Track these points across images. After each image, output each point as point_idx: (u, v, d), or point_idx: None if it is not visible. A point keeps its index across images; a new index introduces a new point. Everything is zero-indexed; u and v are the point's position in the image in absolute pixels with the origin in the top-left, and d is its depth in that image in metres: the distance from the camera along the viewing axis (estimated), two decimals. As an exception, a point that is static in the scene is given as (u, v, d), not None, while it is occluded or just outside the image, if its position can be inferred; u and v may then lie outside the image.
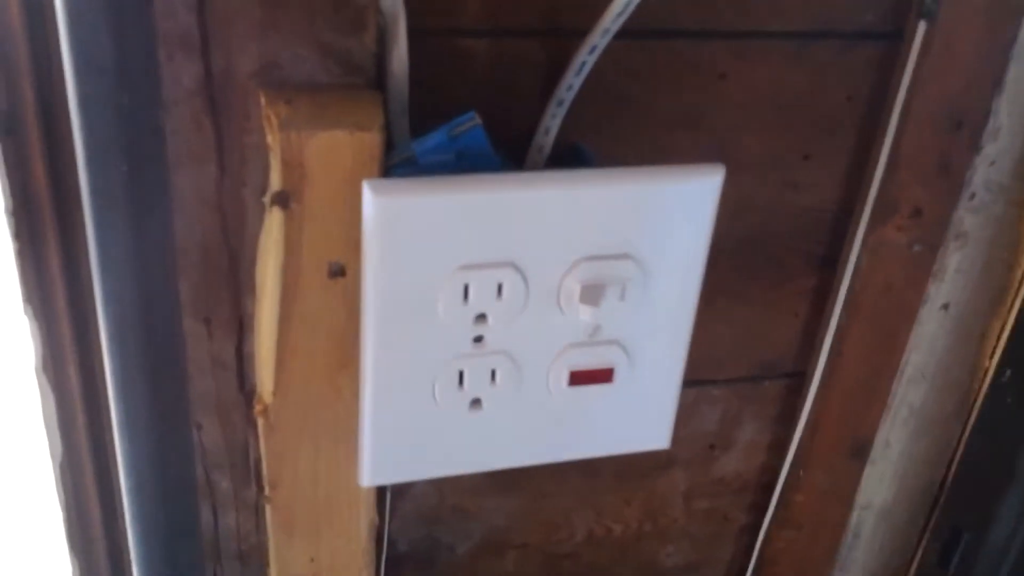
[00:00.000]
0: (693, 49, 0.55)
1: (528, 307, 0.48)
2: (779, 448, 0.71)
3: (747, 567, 0.76)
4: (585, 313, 0.48)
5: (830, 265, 0.64)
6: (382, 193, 0.44)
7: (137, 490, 0.51)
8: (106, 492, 0.58)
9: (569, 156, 0.54)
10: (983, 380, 0.69)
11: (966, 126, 0.59)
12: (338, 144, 0.46)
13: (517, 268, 0.47)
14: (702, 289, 0.53)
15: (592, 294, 0.48)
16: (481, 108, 0.49)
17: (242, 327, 0.55)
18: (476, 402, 0.51)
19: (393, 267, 0.46)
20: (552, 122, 0.53)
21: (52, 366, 0.54)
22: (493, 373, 0.50)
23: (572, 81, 0.52)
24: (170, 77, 0.47)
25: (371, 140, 0.46)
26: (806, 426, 0.68)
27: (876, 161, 0.60)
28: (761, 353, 0.67)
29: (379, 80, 0.50)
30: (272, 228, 0.49)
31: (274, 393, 0.52)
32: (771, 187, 0.61)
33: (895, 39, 0.57)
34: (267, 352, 0.52)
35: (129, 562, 0.60)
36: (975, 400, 0.70)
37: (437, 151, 0.48)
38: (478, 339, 0.49)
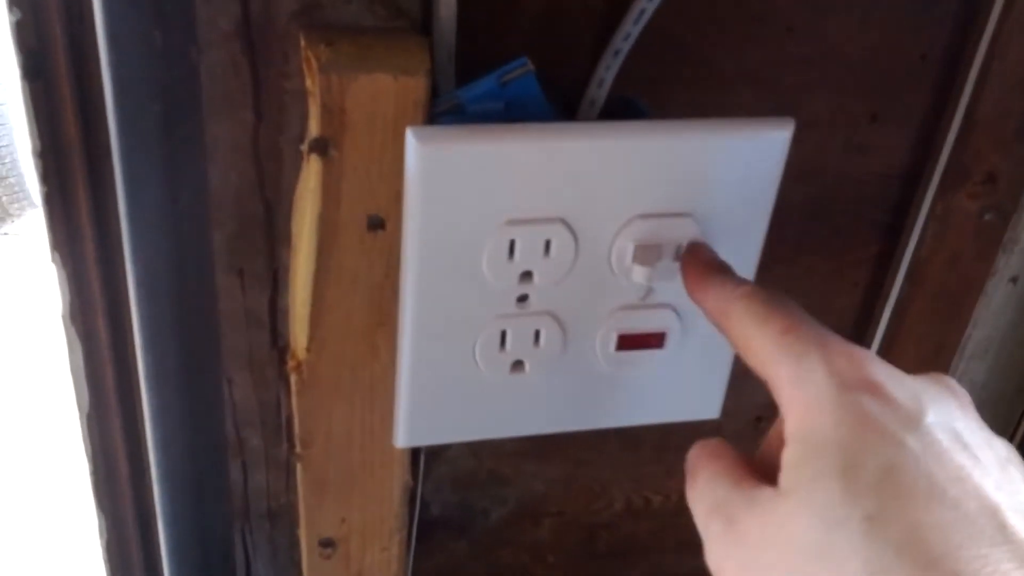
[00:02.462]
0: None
1: (577, 266, 0.46)
2: (830, 423, 0.68)
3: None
4: (638, 274, 0.45)
5: (895, 233, 0.61)
6: (427, 141, 0.42)
7: (164, 445, 0.49)
8: (134, 446, 0.57)
9: (623, 110, 0.51)
10: (1051, 358, 0.65)
11: (1048, 88, 0.56)
12: (381, 89, 0.43)
13: (567, 224, 0.45)
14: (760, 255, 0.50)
15: (647, 254, 0.45)
16: (532, 57, 0.47)
17: (276, 281, 0.53)
18: (518, 364, 0.49)
19: (436, 220, 0.44)
20: (607, 73, 0.50)
21: (80, 315, 0.52)
22: (537, 334, 0.48)
23: (630, 30, 0.49)
24: (206, 18, 0.45)
25: (416, 85, 0.44)
26: (860, 401, 0.65)
27: (949, 124, 0.56)
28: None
29: (425, 24, 0.47)
30: (310, 177, 0.47)
31: (308, 349, 0.50)
32: (836, 149, 0.57)
33: (976, -6, 0.54)
34: (302, 307, 0.50)
35: (157, 517, 0.59)
36: (1041, 379, 0.66)
37: (486, 99, 0.45)
38: (522, 298, 0.47)
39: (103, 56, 0.37)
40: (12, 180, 2.48)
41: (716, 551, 0.34)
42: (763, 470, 0.35)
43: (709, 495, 0.35)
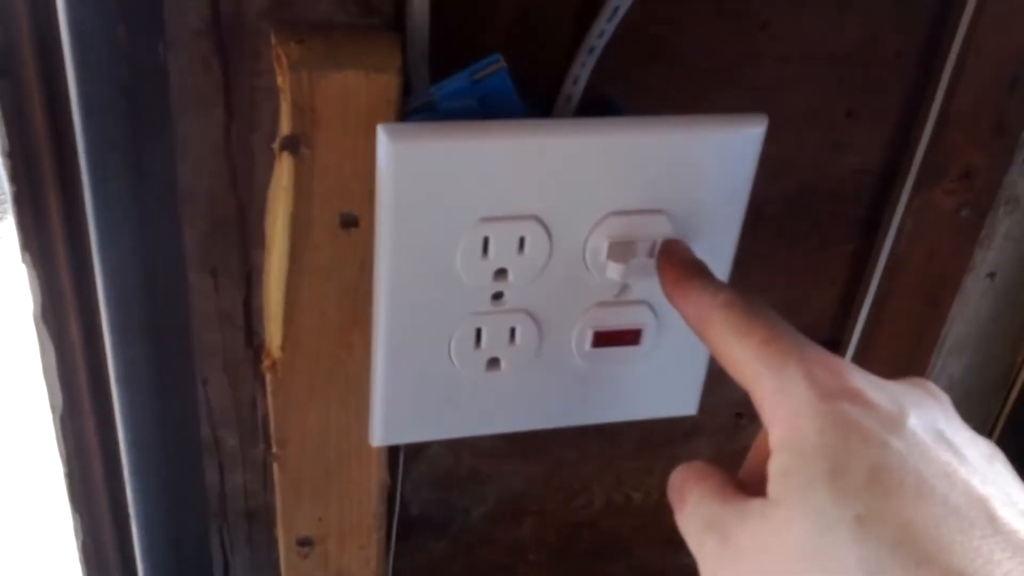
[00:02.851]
0: (734, -4, 0.52)
1: (551, 263, 0.46)
2: (809, 419, 0.68)
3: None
4: (613, 271, 0.45)
5: (872, 230, 0.61)
6: (398, 138, 0.42)
7: (137, 446, 0.49)
8: (108, 446, 0.56)
9: (598, 108, 0.51)
10: (1028, 353, 0.66)
11: (1022, 84, 0.56)
12: (352, 86, 0.43)
13: (541, 222, 0.44)
14: (736, 252, 0.50)
15: (621, 251, 0.45)
16: (507, 54, 0.46)
17: (250, 280, 0.53)
18: (494, 362, 0.48)
19: (409, 218, 0.44)
20: (582, 71, 0.50)
21: (52, 315, 0.52)
22: (512, 332, 0.47)
23: (604, 27, 0.49)
24: (174, 14, 0.45)
25: (387, 82, 0.43)
26: (839, 397, 0.65)
27: (925, 120, 0.56)
28: (796, 320, 0.63)
29: (398, 22, 0.47)
30: (282, 176, 0.47)
31: (283, 348, 0.50)
32: (812, 146, 0.57)
33: (951, -11, 0.54)
34: (276, 306, 0.50)
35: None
36: (1017, 373, 0.66)
37: (458, 96, 0.45)
38: (497, 296, 0.46)
39: (67, 53, 0.36)
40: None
41: (712, 568, 0.34)
42: (750, 484, 0.35)
43: (700, 514, 0.35)
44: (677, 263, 0.43)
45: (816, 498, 0.31)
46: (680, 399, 0.52)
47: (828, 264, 0.62)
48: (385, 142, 0.42)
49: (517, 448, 0.65)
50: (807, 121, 0.56)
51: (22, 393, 1.95)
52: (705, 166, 0.45)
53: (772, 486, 0.33)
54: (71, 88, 0.37)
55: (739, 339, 0.37)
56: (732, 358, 0.37)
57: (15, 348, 2.04)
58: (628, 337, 0.49)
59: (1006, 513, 0.29)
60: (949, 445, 0.32)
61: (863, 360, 0.64)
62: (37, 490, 1.81)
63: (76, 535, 0.60)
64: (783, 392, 0.34)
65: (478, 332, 0.47)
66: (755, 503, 0.33)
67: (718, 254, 0.48)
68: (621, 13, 0.48)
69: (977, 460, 0.32)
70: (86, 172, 0.39)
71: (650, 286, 0.46)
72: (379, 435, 0.49)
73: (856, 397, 0.32)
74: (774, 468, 0.33)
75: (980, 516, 0.29)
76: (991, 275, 0.64)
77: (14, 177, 0.47)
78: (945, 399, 0.35)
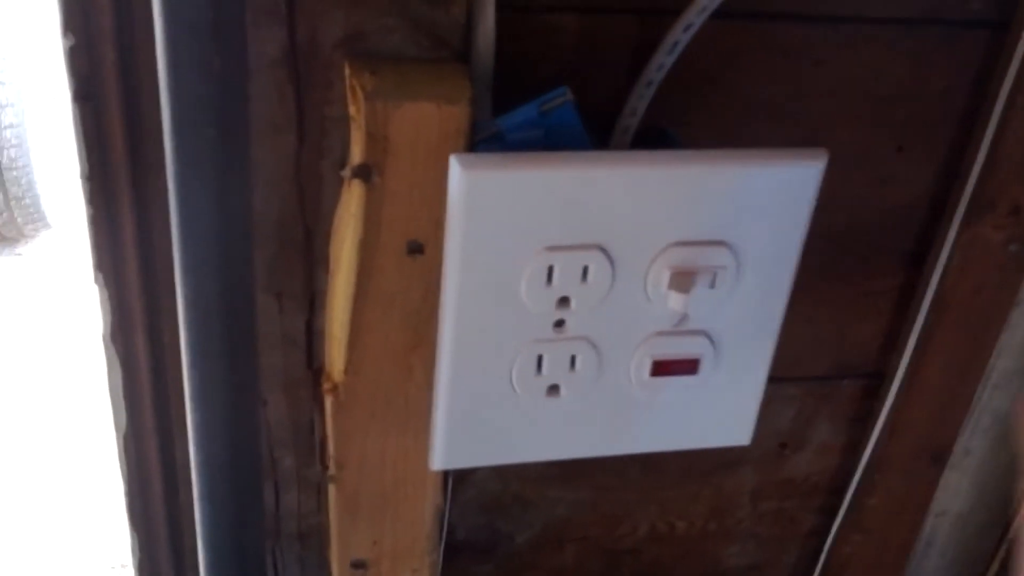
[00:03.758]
0: (789, 33, 0.53)
1: (613, 292, 0.47)
2: (852, 450, 0.68)
3: (813, 571, 0.74)
4: (674, 301, 0.46)
5: (918, 263, 0.62)
6: (470, 167, 0.43)
7: (206, 466, 0.50)
8: (169, 466, 0.57)
9: (654, 140, 0.52)
10: (1073, 389, 0.66)
11: (1072, 121, 0.56)
12: (425, 116, 0.44)
13: (604, 251, 0.45)
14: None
15: (682, 281, 0.46)
16: (566, 85, 0.48)
17: (313, 303, 0.54)
18: (554, 388, 0.49)
19: (477, 244, 0.45)
20: (639, 103, 0.51)
21: (120, 335, 0.53)
22: (573, 359, 0.48)
23: (663, 60, 0.50)
24: (254, 44, 0.46)
25: (459, 113, 0.45)
26: (883, 429, 0.66)
27: (974, 155, 0.57)
28: (841, 352, 0.65)
29: (465, 54, 0.48)
30: (351, 202, 0.48)
31: (345, 371, 0.51)
32: (861, 180, 0.58)
33: (1002, 29, 0.55)
34: (339, 329, 0.51)
35: (189, 536, 0.59)
36: (1064, 408, 0.67)
37: (525, 127, 0.46)
38: (559, 323, 0.48)
39: (163, 80, 0.38)
40: (27, 201, 2.49)
41: None
42: None
43: None
44: None
45: None
46: (734, 428, 0.53)
47: (875, 297, 0.63)
48: (458, 171, 0.43)
49: (562, 475, 0.66)
50: (857, 155, 0.57)
51: (83, 415, 1.97)
52: (764, 199, 0.46)
53: None
54: (164, 115, 0.38)
55: None
56: None
57: (75, 370, 2.06)
58: (686, 367, 0.49)
59: None
60: None
61: (908, 392, 0.64)
62: (90, 510, 1.82)
63: (133, 554, 0.61)
64: None
65: (539, 359, 0.48)
66: None
67: (776, 285, 0.49)
68: (681, 48, 0.49)
69: None
70: (173, 194, 0.40)
71: (709, 316, 0.47)
72: (440, 459, 0.50)
73: None
74: None
75: None
76: (1038, 310, 0.64)
77: (92, 201, 0.49)
78: None
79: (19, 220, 2.54)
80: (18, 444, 1.95)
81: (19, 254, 2.61)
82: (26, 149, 2.46)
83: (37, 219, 2.58)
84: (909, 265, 0.62)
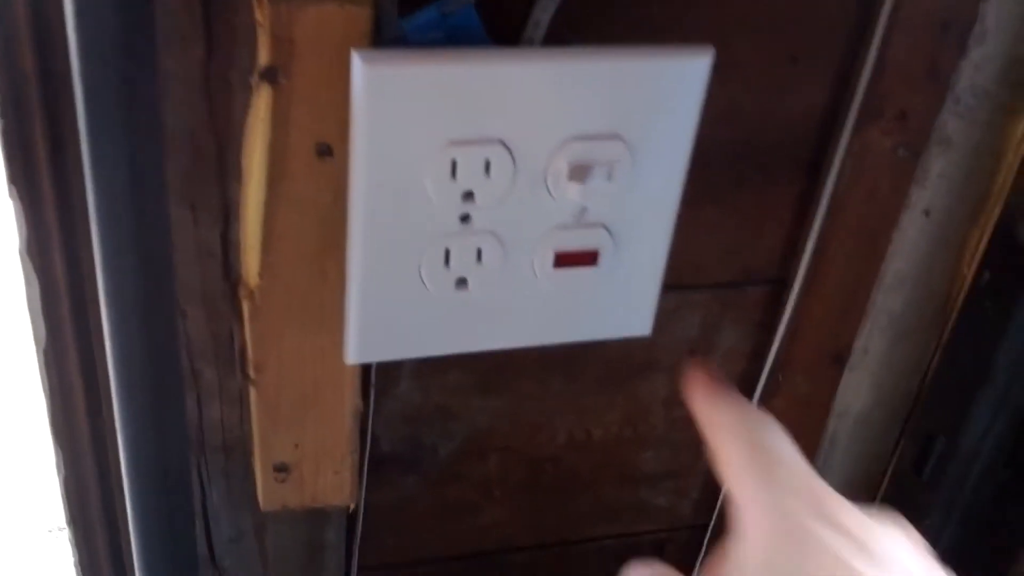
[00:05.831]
0: (684, -57, 0.55)
1: (516, 186, 0.49)
2: (759, 355, 0.72)
3: (725, 475, 0.77)
4: (572, 192, 0.48)
5: (816, 171, 0.65)
6: (372, 63, 0.44)
7: (124, 376, 0.51)
8: (90, 380, 0.58)
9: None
10: (962, 286, 0.69)
11: (953, 28, 0.59)
12: (328, 17, 0.46)
13: (506, 146, 0.47)
14: (686, 194, 0.54)
15: (579, 172, 0.48)
16: (471, -2, 0.49)
17: (228, 215, 0.55)
18: (462, 282, 0.51)
19: (382, 141, 0.46)
20: (543, 15, 0.53)
21: (37, 249, 0.54)
22: (479, 253, 0.50)
23: (563, -29, 0.52)
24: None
25: (361, 14, 0.46)
26: (786, 332, 0.69)
27: (863, 64, 0.60)
28: (744, 259, 0.68)
29: (369, -38, 0.49)
30: (260, 107, 0.49)
31: (260, 276, 0.52)
32: (758, 91, 0.61)
33: (885, -62, 0.57)
34: (253, 235, 0.52)
35: (113, 451, 0.60)
36: (953, 307, 0.70)
37: (427, 28, 0.48)
38: (465, 218, 0.49)
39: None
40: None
41: None
42: None
43: None
44: (710, 377, 0.43)
45: None
46: (635, 320, 0.55)
47: (775, 205, 0.66)
48: (360, 66, 0.44)
49: (483, 385, 0.68)
50: (753, 66, 0.59)
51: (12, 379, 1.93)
52: (657, 94, 0.48)
53: None
54: (68, 27, 0.39)
55: (740, 450, 0.39)
56: (729, 465, 0.39)
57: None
58: (586, 258, 0.52)
59: None
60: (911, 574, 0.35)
61: (808, 296, 0.68)
62: (24, 473, 1.80)
63: (58, 470, 0.62)
64: (766, 508, 0.36)
65: (447, 253, 0.50)
66: None
67: (668, 180, 0.51)
68: (579, -42, 0.51)
69: None
70: (80, 102, 0.41)
71: (607, 209, 0.50)
72: (354, 353, 0.52)
73: (832, 521, 0.35)
74: None
75: None
76: (926, 212, 0.67)
77: (3, 112, 0.49)
78: (917, 536, 0.38)
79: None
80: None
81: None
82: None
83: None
84: (807, 173, 0.65)
